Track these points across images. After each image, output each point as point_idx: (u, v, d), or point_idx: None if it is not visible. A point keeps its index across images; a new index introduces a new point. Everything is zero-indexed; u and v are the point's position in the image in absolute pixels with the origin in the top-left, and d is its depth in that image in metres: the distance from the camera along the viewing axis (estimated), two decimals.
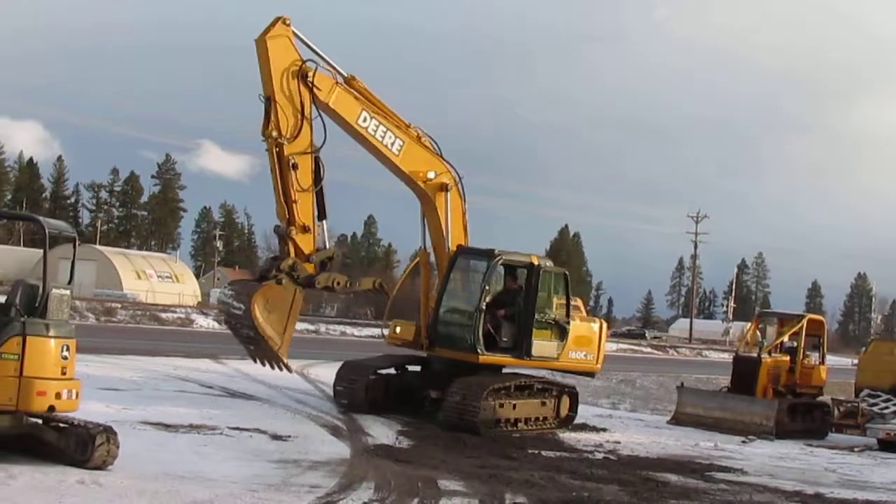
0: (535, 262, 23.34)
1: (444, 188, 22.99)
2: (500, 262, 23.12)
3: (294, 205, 20.56)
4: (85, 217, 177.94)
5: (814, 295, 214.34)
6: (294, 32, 20.72)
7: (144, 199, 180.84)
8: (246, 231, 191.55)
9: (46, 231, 14.37)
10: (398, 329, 24.08)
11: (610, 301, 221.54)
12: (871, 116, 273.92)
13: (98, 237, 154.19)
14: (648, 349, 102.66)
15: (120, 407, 20.17)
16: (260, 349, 20.52)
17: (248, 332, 20.10)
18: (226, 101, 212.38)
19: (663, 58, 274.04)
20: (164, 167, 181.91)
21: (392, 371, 24.20)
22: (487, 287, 22.65)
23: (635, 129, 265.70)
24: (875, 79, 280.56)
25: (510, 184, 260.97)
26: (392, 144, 22.11)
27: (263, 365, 21.10)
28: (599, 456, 20.81)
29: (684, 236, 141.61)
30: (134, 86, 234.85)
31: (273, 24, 20.44)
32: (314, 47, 21.01)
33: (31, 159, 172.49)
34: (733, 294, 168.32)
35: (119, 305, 70.79)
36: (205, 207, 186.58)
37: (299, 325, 71.93)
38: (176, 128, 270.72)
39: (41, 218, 14.95)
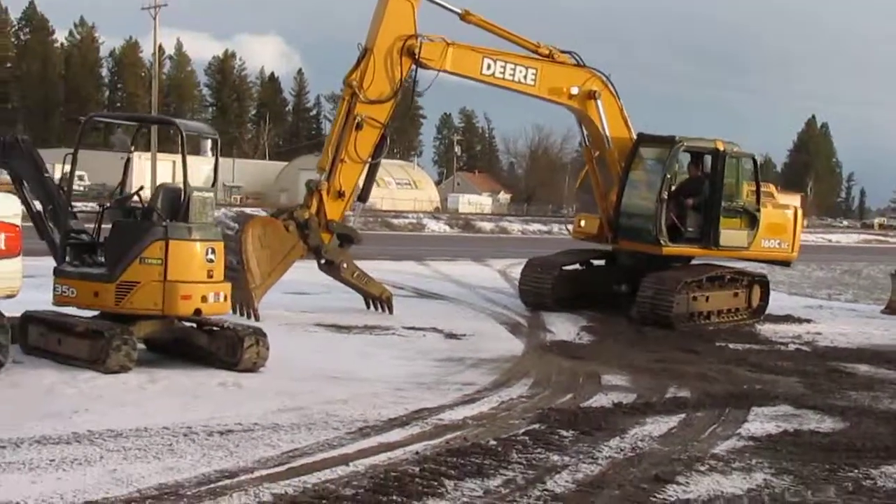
0: (721, 148, 22.19)
1: (592, 96, 22.06)
2: (681, 149, 22.12)
3: (340, 164, 19.83)
4: (327, 128, 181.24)
5: None
6: None
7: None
8: (487, 135, 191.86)
9: (183, 134, 14.19)
10: (582, 223, 23.67)
11: (862, 192, 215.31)
12: None
13: None
14: None
15: (300, 310, 20.26)
16: (238, 285, 17.84)
17: (233, 259, 18.15)
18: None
19: None
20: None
21: (579, 267, 23.61)
22: (669, 175, 21.78)
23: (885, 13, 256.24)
24: None
25: (755, 79, 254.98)
26: (525, 78, 21.32)
27: (235, 311, 17.78)
28: (792, 348, 19.78)
29: None
30: None
31: None
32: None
33: (272, 74, 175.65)
34: None
35: (351, 213, 71.69)
36: (445, 114, 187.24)
37: (487, 225, 71.41)
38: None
39: (178, 120, 14.83)
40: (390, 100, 20.05)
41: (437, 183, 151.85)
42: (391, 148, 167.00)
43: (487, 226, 76.55)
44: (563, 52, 21.95)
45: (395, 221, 72.74)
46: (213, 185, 14.90)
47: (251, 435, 10.27)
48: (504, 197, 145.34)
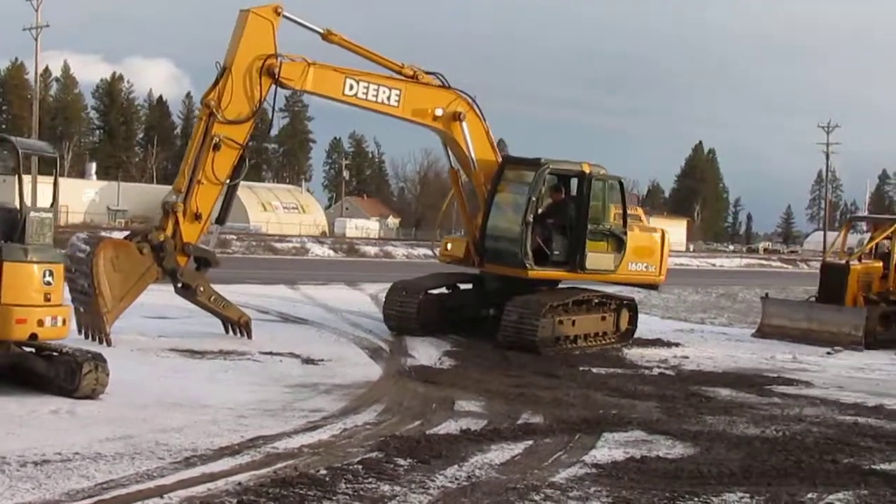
0: (587, 170, 22.11)
1: (457, 118, 21.76)
2: (547, 172, 21.93)
3: (197, 186, 19.27)
4: None
5: None
6: (285, 17, 19.75)
7: (274, 132, 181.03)
8: (376, 160, 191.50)
9: (19, 151, 13.68)
10: (449, 246, 23.41)
11: (749, 217, 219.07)
12: None
13: None
14: (778, 263, 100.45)
15: (156, 335, 19.69)
16: (88, 309, 18.12)
17: (84, 282, 18.12)
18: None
19: None
20: (293, 99, 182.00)
21: (445, 290, 23.34)
22: (534, 199, 21.55)
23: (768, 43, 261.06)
24: None
25: (641, 102, 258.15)
26: (388, 99, 20.96)
27: (87, 337, 17.95)
28: (656, 372, 19.65)
29: (822, 148, 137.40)
30: None
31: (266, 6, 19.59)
32: (293, 17, 19.96)
33: (160, 97, 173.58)
34: (867, 205, 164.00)
35: (235, 237, 70.81)
36: (335, 138, 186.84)
37: (372, 249, 71.39)
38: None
39: (13, 138, 14.25)
40: (249, 120, 19.60)
41: (326, 208, 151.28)
42: (280, 172, 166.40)
43: (372, 250, 76.12)
44: (428, 73, 21.63)
45: (279, 245, 72.07)
46: (52, 205, 14.32)
47: (67, 465, 9.78)
48: (393, 221, 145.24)
